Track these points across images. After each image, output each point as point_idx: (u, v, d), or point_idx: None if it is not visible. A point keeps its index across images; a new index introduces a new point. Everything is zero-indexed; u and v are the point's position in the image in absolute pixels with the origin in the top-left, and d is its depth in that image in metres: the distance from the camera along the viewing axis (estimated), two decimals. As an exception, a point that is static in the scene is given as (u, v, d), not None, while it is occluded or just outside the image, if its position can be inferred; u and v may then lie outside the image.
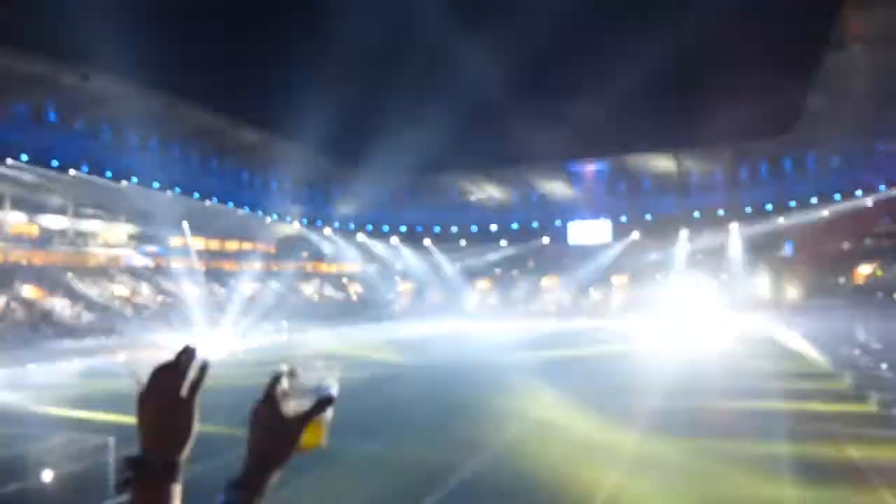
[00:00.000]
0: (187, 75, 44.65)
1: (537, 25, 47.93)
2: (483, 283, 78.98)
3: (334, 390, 1.31)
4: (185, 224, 59.35)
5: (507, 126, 49.97)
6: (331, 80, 43.99)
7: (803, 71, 44.67)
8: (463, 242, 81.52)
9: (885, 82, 44.56)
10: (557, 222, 76.60)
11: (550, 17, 47.87)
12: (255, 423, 1.29)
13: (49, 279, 50.01)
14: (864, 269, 59.54)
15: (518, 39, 47.37)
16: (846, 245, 63.36)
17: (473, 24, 44.19)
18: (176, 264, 60.59)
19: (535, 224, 76.81)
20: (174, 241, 62.30)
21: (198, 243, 65.75)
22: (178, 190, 58.28)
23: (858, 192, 58.92)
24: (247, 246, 72.67)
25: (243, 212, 69.32)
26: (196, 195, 60.86)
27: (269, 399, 1.29)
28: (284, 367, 1.32)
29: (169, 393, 1.24)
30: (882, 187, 56.80)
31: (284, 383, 1.30)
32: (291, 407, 1.29)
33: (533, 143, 54.99)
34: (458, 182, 71.16)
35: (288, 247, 78.94)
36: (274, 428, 1.28)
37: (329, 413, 1.31)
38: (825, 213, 63.13)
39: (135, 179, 54.48)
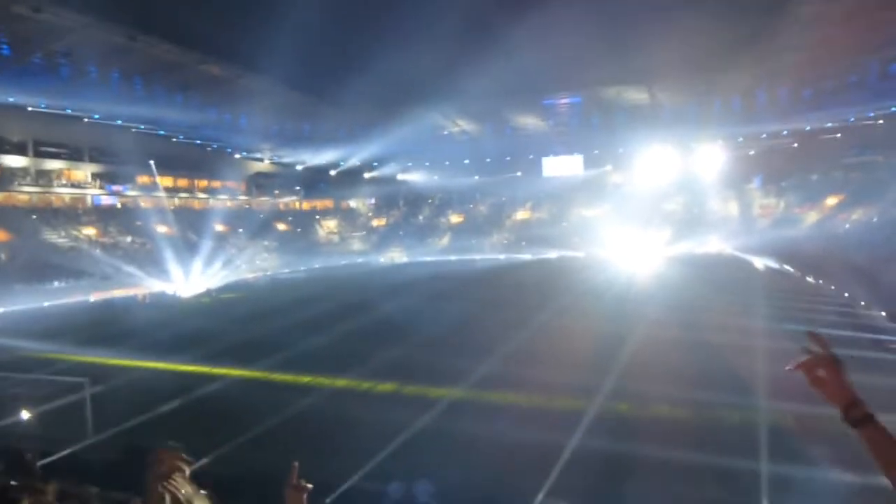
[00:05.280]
0: (147, 6, 42.66)
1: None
2: (456, 217, 79.33)
3: None
4: (151, 162, 58.03)
5: (481, 59, 48.85)
6: (299, 10, 42.43)
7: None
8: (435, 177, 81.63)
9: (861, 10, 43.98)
10: (531, 156, 76.64)
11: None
12: None
13: (12, 220, 48.85)
14: (832, 201, 60.51)
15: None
16: (814, 177, 64.38)
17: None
18: (144, 203, 59.60)
19: (508, 158, 76.72)
20: (141, 179, 61.12)
21: (166, 181, 64.52)
22: (141, 127, 56.68)
23: (829, 124, 59.35)
24: (216, 184, 71.50)
25: (211, 148, 67.97)
26: (161, 132, 59.32)
27: None
28: None
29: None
30: (852, 118, 57.22)
31: None
32: None
33: (507, 77, 54.03)
34: (430, 116, 70.12)
35: (258, 184, 78.03)
36: None
37: None
38: (795, 144, 63.86)
39: (96, 116, 52.84)
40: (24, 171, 55.07)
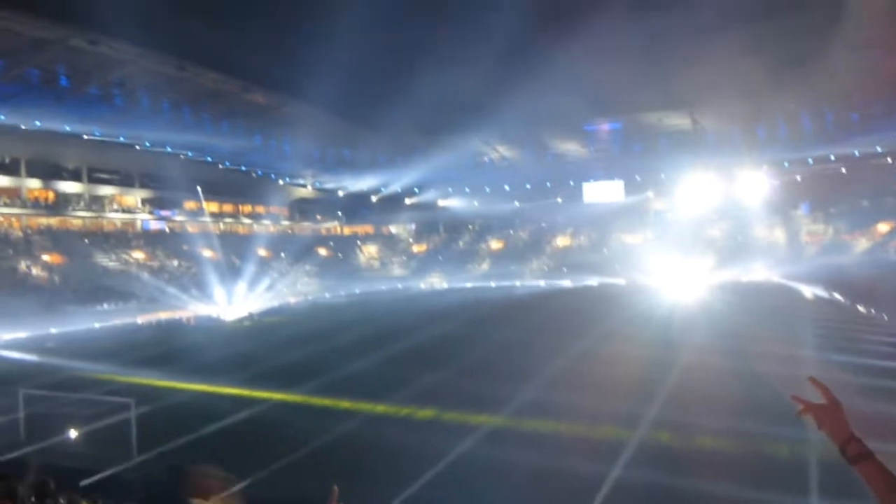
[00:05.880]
0: (196, 37, 44.13)
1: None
2: (496, 243, 79.21)
3: None
4: (198, 188, 59.54)
5: (521, 86, 49.11)
6: (342, 40, 43.41)
7: (823, 24, 43.21)
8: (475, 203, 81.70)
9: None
10: (571, 182, 76.23)
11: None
12: None
13: (66, 244, 50.54)
14: (883, 228, 58.67)
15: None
16: (864, 203, 62.55)
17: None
18: (191, 228, 61.07)
19: (548, 184, 76.49)
20: (188, 204, 62.73)
21: (212, 207, 66.06)
22: (189, 154, 58.32)
23: (878, 149, 57.64)
24: (260, 209, 72.92)
25: (255, 175, 69.43)
26: (208, 159, 60.89)
27: None
28: None
29: None
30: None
31: None
32: None
33: (548, 104, 54.05)
34: (470, 142, 70.40)
35: (301, 209, 79.28)
36: None
37: None
38: (843, 170, 62.19)
39: (147, 143, 54.57)
40: (78, 197, 57.08)
